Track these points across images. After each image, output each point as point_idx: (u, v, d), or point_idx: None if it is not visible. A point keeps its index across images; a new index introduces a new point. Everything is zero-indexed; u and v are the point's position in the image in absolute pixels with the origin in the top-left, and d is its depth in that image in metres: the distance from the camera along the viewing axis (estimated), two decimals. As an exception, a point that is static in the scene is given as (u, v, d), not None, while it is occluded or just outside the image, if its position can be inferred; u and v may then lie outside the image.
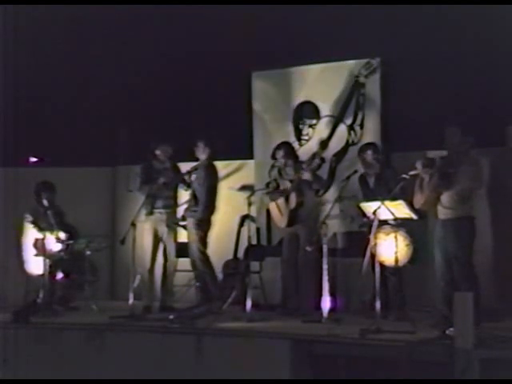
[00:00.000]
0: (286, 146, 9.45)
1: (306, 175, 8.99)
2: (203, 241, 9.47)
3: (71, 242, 9.75)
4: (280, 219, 9.23)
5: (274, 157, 9.51)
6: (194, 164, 9.66)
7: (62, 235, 9.70)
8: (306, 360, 7.51)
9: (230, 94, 10.57)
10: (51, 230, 9.66)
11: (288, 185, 9.19)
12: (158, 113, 11.09)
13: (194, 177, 9.61)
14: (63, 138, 11.02)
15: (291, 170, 9.20)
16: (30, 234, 9.87)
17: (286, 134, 10.26)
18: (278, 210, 9.21)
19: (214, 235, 9.65)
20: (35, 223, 9.83)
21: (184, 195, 9.81)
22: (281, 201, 9.19)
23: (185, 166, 9.73)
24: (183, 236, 9.78)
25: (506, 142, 9.24)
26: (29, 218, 9.89)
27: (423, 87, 9.65)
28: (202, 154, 9.56)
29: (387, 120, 9.77)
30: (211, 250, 9.61)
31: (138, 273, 9.47)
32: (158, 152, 9.72)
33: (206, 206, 9.44)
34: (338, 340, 7.52)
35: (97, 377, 8.17)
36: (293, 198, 9.07)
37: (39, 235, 9.68)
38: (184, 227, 9.73)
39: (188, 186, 9.64)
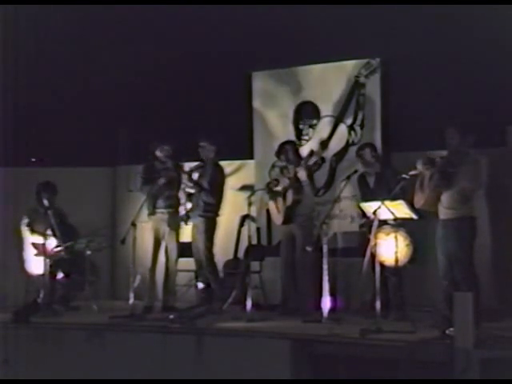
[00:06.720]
0: (290, 144, 9.45)
1: (301, 173, 8.99)
2: (212, 240, 9.50)
3: (71, 243, 9.75)
4: (277, 216, 9.24)
5: (278, 155, 9.51)
6: (195, 163, 9.68)
7: (61, 237, 9.71)
8: (305, 360, 7.51)
9: (229, 93, 10.56)
10: (51, 230, 9.67)
11: (287, 183, 9.20)
12: (158, 113, 11.08)
13: (196, 176, 9.63)
14: (63, 138, 11.01)
15: (292, 168, 9.21)
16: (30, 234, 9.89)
17: (286, 134, 10.26)
18: (276, 207, 9.23)
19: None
20: (31, 226, 9.83)
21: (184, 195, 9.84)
22: (279, 198, 9.21)
23: (186, 166, 9.74)
24: (185, 236, 9.79)
25: (506, 142, 9.24)
26: (25, 220, 9.88)
27: (423, 87, 9.65)
28: (209, 153, 9.57)
29: (387, 120, 9.77)
30: (212, 250, 9.63)
31: (138, 272, 9.47)
32: (158, 152, 9.72)
33: (217, 205, 9.47)
34: (338, 340, 7.52)
35: (97, 377, 8.18)
36: (289, 195, 9.08)
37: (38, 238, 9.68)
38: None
39: (195, 184, 9.61)
